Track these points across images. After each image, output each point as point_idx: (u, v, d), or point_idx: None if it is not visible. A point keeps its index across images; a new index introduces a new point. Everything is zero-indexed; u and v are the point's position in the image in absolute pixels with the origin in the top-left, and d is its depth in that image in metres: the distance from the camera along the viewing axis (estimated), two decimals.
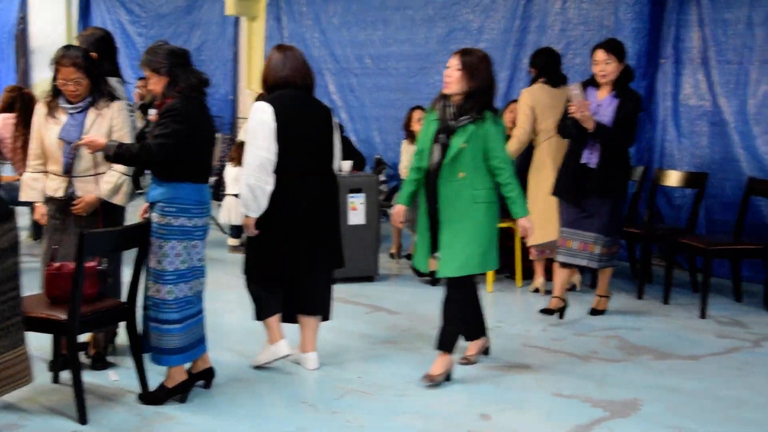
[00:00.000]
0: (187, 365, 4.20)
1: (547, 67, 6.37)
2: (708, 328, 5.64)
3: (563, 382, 4.56)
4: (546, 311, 5.79)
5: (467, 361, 4.77)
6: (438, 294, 6.45)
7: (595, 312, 5.88)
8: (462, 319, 4.57)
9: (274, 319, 4.62)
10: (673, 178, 6.94)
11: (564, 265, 5.70)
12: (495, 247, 4.46)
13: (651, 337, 5.41)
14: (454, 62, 4.35)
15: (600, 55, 5.45)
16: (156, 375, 4.21)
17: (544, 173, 6.17)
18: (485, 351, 4.89)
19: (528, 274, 6.71)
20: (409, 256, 7.32)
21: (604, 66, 5.43)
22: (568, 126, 5.52)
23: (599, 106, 5.46)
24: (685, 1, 7.40)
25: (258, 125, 4.37)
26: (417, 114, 7.41)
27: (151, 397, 4.13)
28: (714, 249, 5.92)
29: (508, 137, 5.69)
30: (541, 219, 5.91)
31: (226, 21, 10.92)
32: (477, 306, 4.70)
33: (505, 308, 6.09)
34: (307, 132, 4.46)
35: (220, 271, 6.81)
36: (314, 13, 10.10)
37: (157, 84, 4.09)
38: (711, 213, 7.25)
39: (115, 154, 3.98)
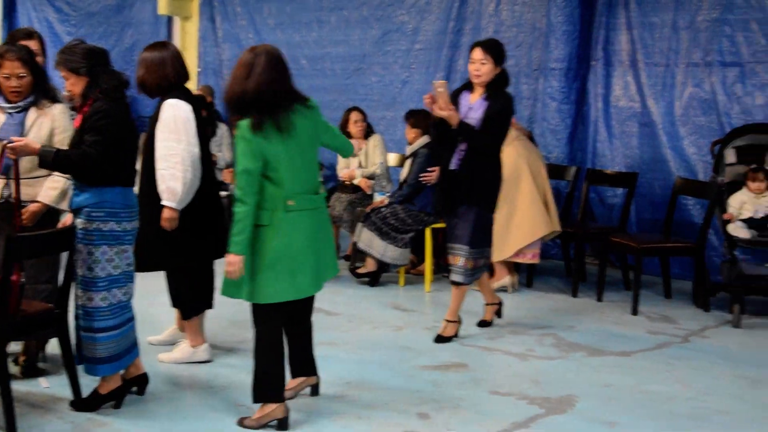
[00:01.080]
0: (121, 371, 4.13)
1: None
2: (639, 325, 5.76)
3: (500, 380, 4.61)
4: (440, 339, 5.32)
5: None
6: (378, 294, 6.51)
7: (440, 339, 5.28)
8: (266, 357, 3.88)
9: (199, 320, 4.74)
10: (604, 178, 7.07)
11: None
12: (263, 275, 3.77)
13: (585, 335, 5.50)
14: None
15: (477, 53, 5.12)
16: (90, 381, 4.12)
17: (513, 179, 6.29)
18: (313, 389, 4.29)
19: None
20: (347, 257, 7.32)
21: (480, 66, 5.10)
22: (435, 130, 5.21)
23: (470, 109, 5.14)
24: (614, 4, 7.56)
25: (185, 122, 4.43)
26: (354, 115, 7.42)
27: (83, 404, 4.05)
28: (644, 247, 6.06)
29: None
30: (519, 225, 6.24)
31: (159, 20, 10.75)
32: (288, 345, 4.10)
33: (443, 308, 6.11)
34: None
35: (152, 276, 6.70)
36: (248, 14, 10.02)
37: (75, 85, 3.95)
38: (641, 212, 7.42)
39: (54, 161, 3.83)
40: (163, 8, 10.39)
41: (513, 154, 6.30)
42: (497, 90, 5.13)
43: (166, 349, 4.91)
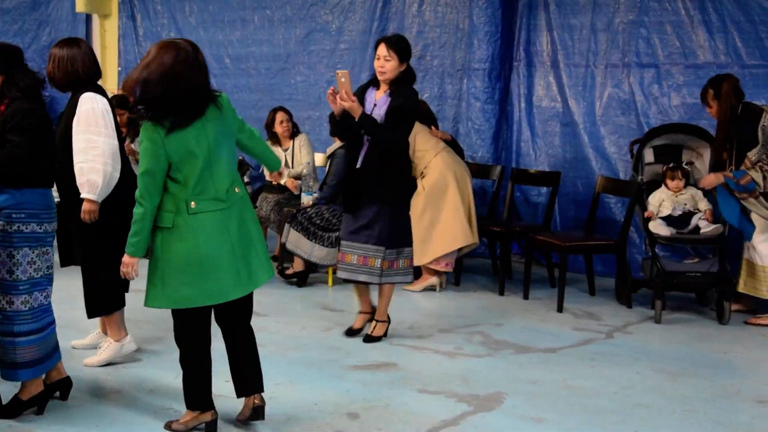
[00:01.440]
0: (42, 376, 4.02)
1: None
2: (565, 322, 5.87)
3: (429, 379, 4.63)
4: (351, 332, 5.36)
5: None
6: (306, 294, 6.48)
7: (369, 338, 5.26)
8: (189, 365, 3.76)
9: (120, 314, 4.70)
10: (528, 177, 7.18)
11: (347, 280, 5.32)
12: (168, 281, 3.61)
13: (512, 332, 5.57)
14: None
15: (381, 49, 4.99)
16: (10, 387, 4.01)
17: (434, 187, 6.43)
18: (255, 412, 3.90)
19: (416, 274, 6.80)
20: (275, 258, 7.26)
21: (384, 62, 4.98)
22: (338, 125, 5.18)
23: (375, 106, 5.05)
24: (534, 6, 7.68)
25: (103, 115, 4.39)
26: (279, 115, 7.37)
27: (4, 411, 3.92)
28: (568, 245, 6.17)
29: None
30: (441, 234, 6.35)
31: (77, 18, 10.50)
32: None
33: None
34: None
35: (75, 279, 6.54)
36: (169, 12, 9.87)
37: None
38: (565, 210, 7.56)
39: None
40: (81, 6, 10.15)
41: (441, 164, 6.46)
42: (401, 86, 5.03)
43: (90, 353, 4.80)
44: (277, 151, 7.35)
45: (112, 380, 4.49)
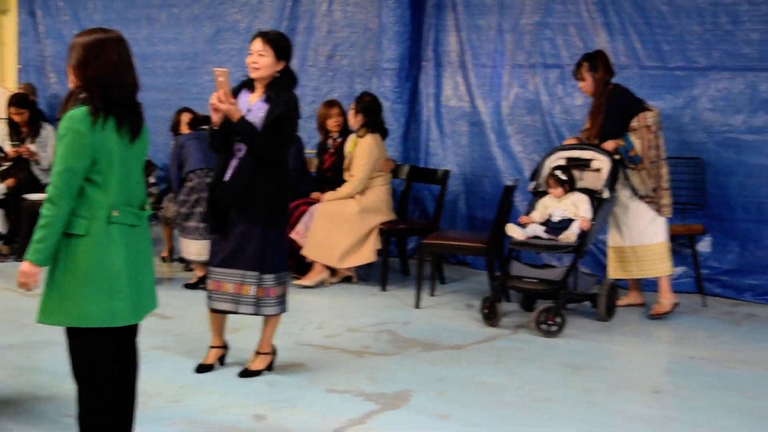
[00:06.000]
0: None
1: (376, 115, 6.82)
2: (472, 319, 5.94)
3: (336, 378, 4.64)
4: (203, 368, 4.70)
5: None
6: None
7: (246, 373, 4.63)
8: (91, 393, 3.27)
9: None
10: (437, 177, 7.25)
11: (215, 311, 4.65)
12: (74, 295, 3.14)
13: (420, 330, 5.62)
14: None
15: (255, 44, 4.49)
16: None
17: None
18: None
19: (304, 270, 6.80)
20: (182, 260, 7.16)
21: (258, 57, 4.45)
22: (212, 135, 4.54)
23: (249, 111, 4.48)
24: (442, 6, 7.76)
25: None
26: (185, 116, 7.24)
27: None
28: (476, 245, 6.22)
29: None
30: (355, 247, 6.61)
31: None
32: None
33: None
34: None
35: None
36: (72, 9, 9.64)
37: None
38: (473, 209, 7.66)
39: None
40: None
41: (386, 197, 6.83)
42: (280, 90, 4.49)
43: None
44: None
45: (8, 387, 4.35)
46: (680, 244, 6.58)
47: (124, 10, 9.35)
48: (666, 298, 5.98)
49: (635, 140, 5.87)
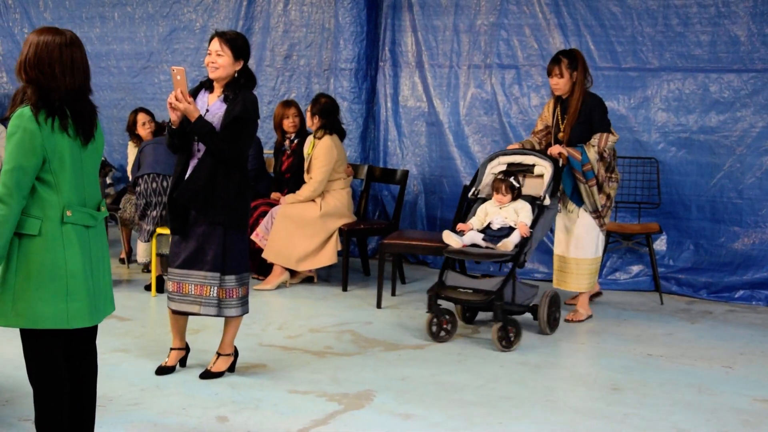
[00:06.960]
0: None
1: (333, 117, 6.77)
2: None
3: (299, 379, 4.63)
4: (163, 370, 4.66)
5: None
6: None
7: (207, 374, 4.61)
8: (43, 398, 3.23)
9: None
10: (395, 177, 7.27)
11: (177, 312, 4.63)
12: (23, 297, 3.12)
13: (382, 330, 5.63)
14: None
15: (213, 44, 4.47)
16: None
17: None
18: None
19: (264, 271, 6.80)
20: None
21: (216, 57, 4.44)
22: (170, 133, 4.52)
23: (208, 112, 4.49)
24: (399, 7, 7.79)
25: None
26: (141, 116, 7.17)
27: None
28: (436, 245, 6.25)
29: None
30: (317, 250, 6.60)
31: None
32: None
33: None
34: None
35: None
36: (22, 7, 9.48)
37: None
38: (431, 209, 7.70)
39: None
40: None
41: (346, 200, 6.79)
42: (238, 90, 4.48)
43: None
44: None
45: None
46: (637, 243, 6.69)
47: (75, 9, 9.22)
48: (584, 309, 5.99)
49: (591, 155, 5.69)
